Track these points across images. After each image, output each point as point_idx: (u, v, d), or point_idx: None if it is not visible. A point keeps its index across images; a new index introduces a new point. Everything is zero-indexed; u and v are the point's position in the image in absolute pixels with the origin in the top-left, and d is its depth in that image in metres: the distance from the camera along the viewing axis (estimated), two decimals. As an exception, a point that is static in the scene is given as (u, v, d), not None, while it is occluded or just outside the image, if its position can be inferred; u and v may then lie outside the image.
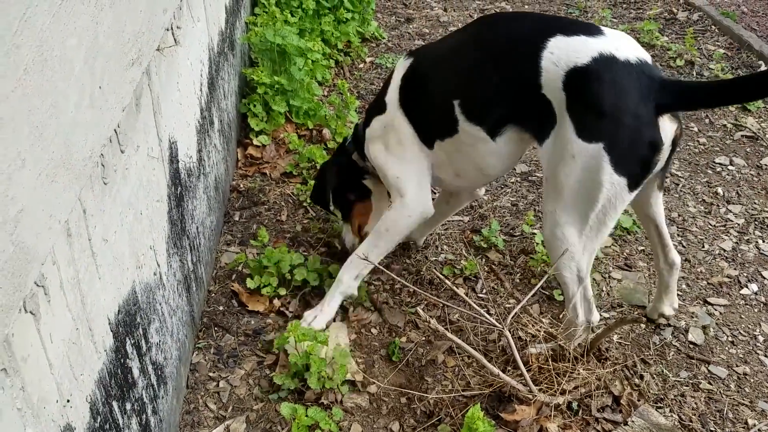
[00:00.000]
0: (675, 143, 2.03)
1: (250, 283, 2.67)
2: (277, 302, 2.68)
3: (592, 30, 2.03)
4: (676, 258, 2.49)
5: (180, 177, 2.37)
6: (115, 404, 1.67)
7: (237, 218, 3.15)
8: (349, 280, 2.56)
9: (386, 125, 2.50)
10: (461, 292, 2.42)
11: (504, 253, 3.05)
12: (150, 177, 2.01)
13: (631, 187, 2.00)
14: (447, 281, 2.18)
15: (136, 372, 1.83)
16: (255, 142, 3.58)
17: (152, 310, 1.99)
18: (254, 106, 3.62)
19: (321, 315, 2.55)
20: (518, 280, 2.89)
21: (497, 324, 2.11)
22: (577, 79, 1.96)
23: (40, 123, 1.20)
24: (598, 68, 1.94)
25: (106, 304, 1.64)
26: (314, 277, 2.72)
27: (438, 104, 2.35)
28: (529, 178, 3.55)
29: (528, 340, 2.45)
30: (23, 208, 1.13)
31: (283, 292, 2.70)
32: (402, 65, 2.49)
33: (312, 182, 3.12)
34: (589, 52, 1.96)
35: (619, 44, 1.98)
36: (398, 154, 2.48)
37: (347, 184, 2.79)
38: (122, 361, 1.73)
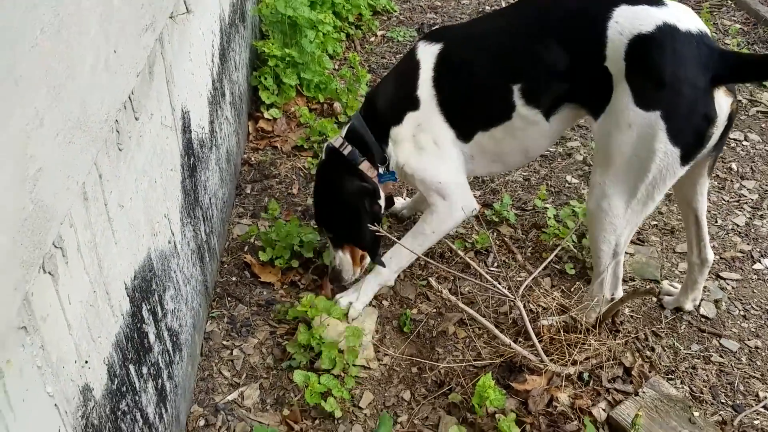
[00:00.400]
0: (731, 119, 2.01)
1: (263, 256, 2.68)
2: (289, 274, 2.70)
3: (653, 0, 2.02)
4: (710, 255, 2.44)
5: (193, 147, 2.37)
6: (131, 367, 1.69)
7: (248, 191, 3.16)
8: (389, 273, 2.52)
9: (420, 124, 2.30)
10: (467, 257, 2.42)
11: (516, 228, 3.05)
12: (164, 145, 2.01)
13: (684, 159, 1.99)
14: (460, 252, 2.18)
15: (152, 337, 1.85)
16: (266, 115, 3.57)
17: (167, 277, 2.01)
18: (265, 78, 3.61)
19: (357, 303, 2.50)
20: (530, 254, 2.88)
21: (509, 294, 2.11)
22: (640, 47, 1.96)
23: (57, 84, 1.20)
24: (662, 37, 1.94)
25: (123, 269, 1.65)
26: (327, 254, 2.72)
27: (491, 92, 2.23)
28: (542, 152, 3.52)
29: (539, 312, 2.45)
30: (42, 167, 1.14)
31: (295, 264, 2.72)
32: (427, 53, 2.29)
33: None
34: (654, 21, 1.96)
35: (680, 15, 1.99)
36: (437, 156, 2.31)
37: (372, 211, 2.44)
38: (138, 325, 1.75)
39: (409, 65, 2.34)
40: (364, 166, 2.41)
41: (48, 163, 1.16)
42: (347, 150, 2.40)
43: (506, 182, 3.32)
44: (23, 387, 1.15)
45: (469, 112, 2.28)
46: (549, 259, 2.40)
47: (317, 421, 2.18)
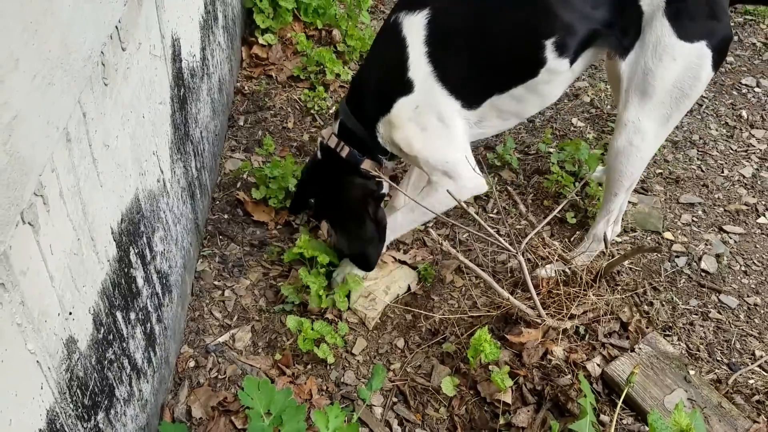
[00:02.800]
0: None
1: (256, 194, 2.59)
2: (283, 214, 2.61)
3: None
4: None
5: (183, 77, 2.23)
6: (119, 314, 1.63)
7: (242, 123, 3.02)
8: (393, 235, 2.35)
9: (419, 105, 2.05)
10: (472, 211, 2.34)
11: (518, 172, 2.96)
12: (152, 77, 1.88)
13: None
14: (459, 201, 2.10)
15: (140, 281, 1.78)
16: (261, 41, 3.39)
17: (156, 218, 1.92)
18: (260, 0, 3.40)
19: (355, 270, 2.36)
20: (531, 201, 2.81)
21: (512, 249, 2.05)
22: None
23: (34, 19, 1.07)
24: None
25: (109, 212, 1.56)
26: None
27: (515, 51, 2.04)
28: (547, 92, 3.38)
29: (538, 262, 2.40)
30: (17, 115, 1.02)
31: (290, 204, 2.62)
32: (413, 26, 2.00)
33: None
34: None
35: None
36: (442, 134, 2.09)
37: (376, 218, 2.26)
38: (126, 270, 1.67)
39: (394, 45, 2.04)
40: (367, 164, 2.19)
41: (24, 109, 1.05)
42: (345, 152, 2.17)
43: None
44: (1, 348, 1.08)
45: (483, 79, 2.07)
46: (553, 214, 2.32)
47: (309, 366, 2.15)
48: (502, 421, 2.03)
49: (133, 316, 1.73)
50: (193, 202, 2.35)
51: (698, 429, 1.76)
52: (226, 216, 2.61)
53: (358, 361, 2.19)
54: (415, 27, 2.01)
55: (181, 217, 2.19)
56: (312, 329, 2.12)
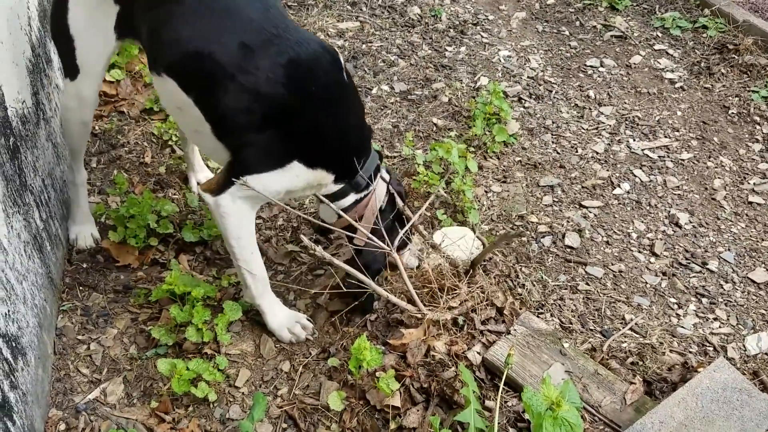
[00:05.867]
0: None
1: (114, 236, 2.46)
2: (149, 253, 2.50)
3: None
4: None
5: (11, 126, 2.08)
6: (-47, 391, 1.48)
7: (94, 164, 2.87)
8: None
9: None
10: (347, 215, 2.33)
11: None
12: (-34, 130, 1.74)
13: None
14: (331, 205, 2.09)
15: (-22, 351, 1.63)
16: (108, 77, 3.24)
17: (-8, 279, 1.77)
18: (102, 37, 3.26)
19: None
20: (401, 202, 2.83)
21: (385, 247, 2.05)
22: None
23: None
24: None
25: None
26: (191, 227, 2.52)
27: None
28: (409, 97, 3.45)
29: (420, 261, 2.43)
30: None
31: (154, 242, 2.51)
32: None
33: None
34: None
35: None
36: None
37: None
38: (-44, 342, 1.53)
39: None
40: None
41: None
42: None
43: (375, 131, 3.23)
44: None
45: None
46: (421, 210, 2.36)
47: (190, 408, 2.06)
48: (393, 425, 2.02)
49: (-26, 389, 1.58)
50: (42, 256, 2.20)
51: (571, 398, 1.83)
52: (85, 265, 2.46)
53: (242, 393, 2.12)
54: None
55: (28, 274, 2.04)
56: (187, 369, 2.03)
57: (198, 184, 2.78)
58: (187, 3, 1.95)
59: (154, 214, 2.51)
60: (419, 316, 2.20)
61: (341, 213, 2.14)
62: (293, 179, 2.03)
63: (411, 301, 2.20)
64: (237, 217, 2.03)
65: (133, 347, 2.23)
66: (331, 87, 2.01)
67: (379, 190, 2.21)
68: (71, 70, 2.21)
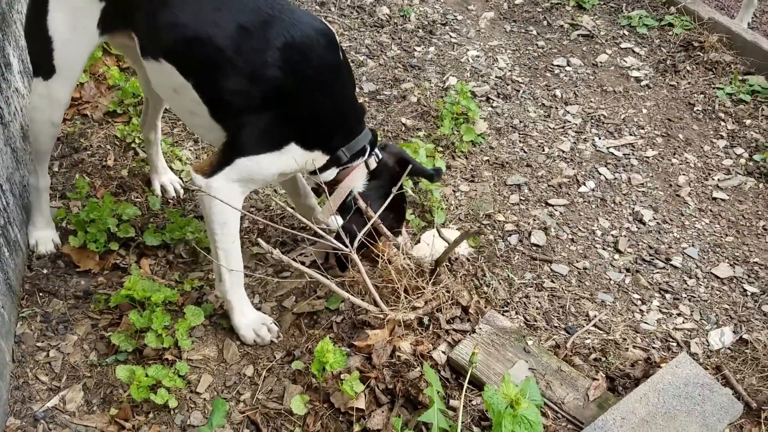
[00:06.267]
0: None
1: (74, 241, 2.42)
2: (110, 258, 2.46)
3: None
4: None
5: (-36, 130, 2.04)
6: None
7: (56, 168, 2.83)
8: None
9: None
10: (306, 220, 2.32)
11: (354, 176, 2.97)
12: None
13: None
14: (289, 208, 2.08)
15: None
16: (71, 81, 3.19)
17: (-59, 287, 1.73)
18: (64, 40, 3.21)
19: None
20: (368, 203, 2.82)
21: (344, 248, 2.04)
22: None
23: None
24: None
25: None
26: (152, 231, 2.49)
27: None
28: (378, 97, 3.44)
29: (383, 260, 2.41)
30: None
31: (115, 246, 2.48)
32: None
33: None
34: None
35: None
36: None
37: None
38: None
39: None
40: None
41: None
42: None
43: (341, 130, 3.21)
44: None
45: None
46: (382, 208, 2.34)
47: (151, 415, 2.03)
48: (357, 428, 2.01)
49: None
50: (0, 262, 2.16)
51: (532, 396, 1.83)
52: (45, 270, 2.42)
53: (204, 399, 2.09)
54: None
55: (-17, 281, 2.00)
56: (146, 376, 2.00)
57: (161, 186, 2.76)
58: None
59: (115, 218, 2.48)
60: (382, 316, 2.19)
61: (322, 184, 2.19)
62: (289, 161, 2.05)
63: (375, 302, 2.20)
64: (227, 200, 2.01)
65: (93, 354, 2.20)
66: (327, 69, 2.04)
67: (359, 170, 2.22)
68: (46, 70, 2.17)
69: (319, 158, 2.13)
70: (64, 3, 2.07)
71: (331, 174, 2.21)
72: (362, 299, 2.21)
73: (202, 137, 2.22)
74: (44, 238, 2.47)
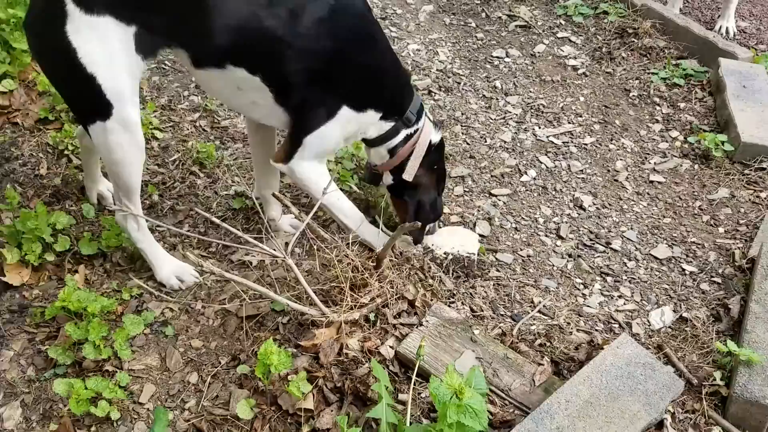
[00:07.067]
0: None
1: (7, 254, 2.33)
2: (44, 270, 2.38)
3: None
4: None
5: None
6: None
7: (-15, 180, 2.72)
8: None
9: None
10: (228, 225, 2.29)
11: (298, 175, 2.94)
12: None
13: None
14: (214, 218, 2.04)
15: None
16: (0, 87, 3.08)
17: None
18: (-9, 46, 3.10)
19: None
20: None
21: (277, 254, 2.02)
22: None
23: None
24: None
25: None
26: (88, 240, 2.42)
27: None
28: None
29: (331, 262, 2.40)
30: None
31: (50, 257, 2.40)
32: None
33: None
34: None
35: None
36: None
37: None
38: None
39: None
40: None
41: None
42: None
43: (282, 130, 3.17)
44: None
45: None
46: (315, 208, 2.33)
47: (93, 428, 1.97)
48: (306, 429, 1.99)
49: None
50: (-77, 281, 2.07)
51: (478, 385, 1.84)
52: (-24, 287, 2.33)
53: (147, 409, 2.04)
54: None
55: None
56: (85, 388, 1.94)
57: (99, 194, 2.67)
58: None
59: (49, 228, 2.40)
60: (323, 319, 2.17)
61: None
62: (346, 125, 2.22)
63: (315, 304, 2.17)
64: (313, 174, 2.26)
65: (31, 369, 2.12)
66: (365, 28, 2.18)
67: (427, 128, 2.40)
68: (102, 108, 1.99)
69: (373, 117, 2.27)
70: (89, 32, 1.90)
71: (400, 137, 2.35)
72: (308, 299, 2.19)
73: (263, 121, 2.33)
74: None
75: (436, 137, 2.44)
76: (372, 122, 2.28)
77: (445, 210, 2.80)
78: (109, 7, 1.90)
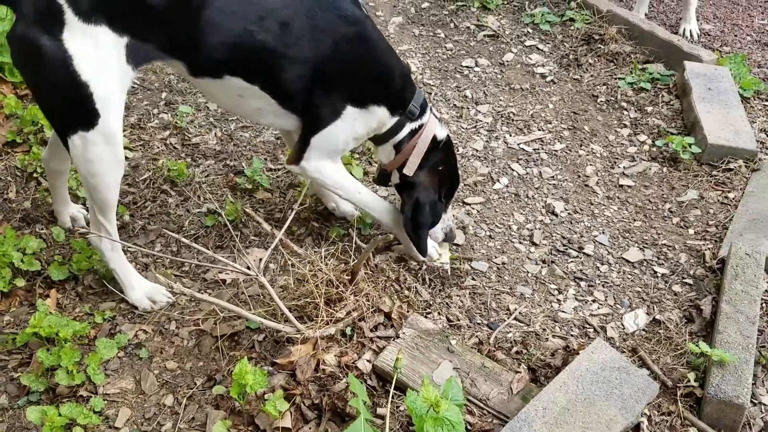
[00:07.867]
0: None
1: (-26, 281, 2.30)
2: (15, 296, 2.35)
3: None
4: None
5: None
6: None
7: (-48, 206, 2.68)
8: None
9: None
10: (201, 246, 2.27)
11: (272, 191, 2.94)
12: None
13: None
14: (183, 239, 2.03)
15: None
16: (-37, 112, 3.04)
17: None
18: (-47, 69, 3.05)
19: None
20: (293, 216, 2.80)
21: (249, 272, 2.01)
22: None
23: None
24: None
25: None
26: (58, 263, 2.39)
27: None
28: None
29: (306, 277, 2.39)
30: None
31: (21, 282, 2.37)
32: None
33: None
34: None
35: None
36: None
37: None
38: None
39: None
40: None
41: None
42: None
43: (255, 145, 3.17)
44: None
45: None
46: (288, 222, 2.33)
47: (67, 456, 1.94)
48: (284, 447, 1.98)
49: None
50: None
51: (455, 396, 1.85)
52: (-56, 316, 2.29)
53: (123, 433, 2.02)
54: None
55: None
56: (59, 415, 1.92)
57: (72, 217, 2.64)
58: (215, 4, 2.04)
59: (19, 253, 2.37)
60: (298, 336, 2.16)
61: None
62: (352, 124, 2.29)
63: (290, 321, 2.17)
64: (327, 171, 2.35)
65: (4, 397, 2.09)
66: (354, 27, 2.21)
67: (432, 123, 2.44)
68: (88, 118, 2.01)
69: (379, 113, 2.32)
70: (85, 40, 1.93)
71: (405, 131, 2.40)
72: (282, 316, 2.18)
73: (272, 126, 2.47)
74: None
75: (441, 133, 2.47)
76: (378, 117, 2.33)
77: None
78: (106, 17, 1.95)
